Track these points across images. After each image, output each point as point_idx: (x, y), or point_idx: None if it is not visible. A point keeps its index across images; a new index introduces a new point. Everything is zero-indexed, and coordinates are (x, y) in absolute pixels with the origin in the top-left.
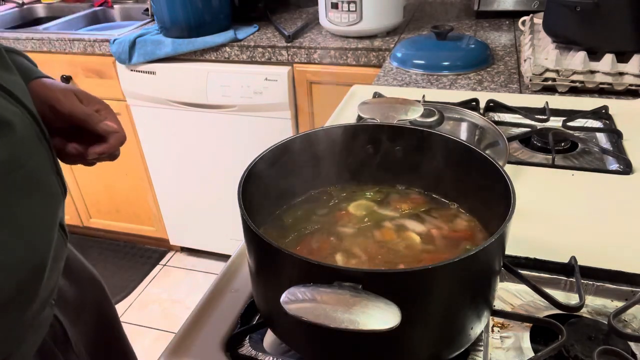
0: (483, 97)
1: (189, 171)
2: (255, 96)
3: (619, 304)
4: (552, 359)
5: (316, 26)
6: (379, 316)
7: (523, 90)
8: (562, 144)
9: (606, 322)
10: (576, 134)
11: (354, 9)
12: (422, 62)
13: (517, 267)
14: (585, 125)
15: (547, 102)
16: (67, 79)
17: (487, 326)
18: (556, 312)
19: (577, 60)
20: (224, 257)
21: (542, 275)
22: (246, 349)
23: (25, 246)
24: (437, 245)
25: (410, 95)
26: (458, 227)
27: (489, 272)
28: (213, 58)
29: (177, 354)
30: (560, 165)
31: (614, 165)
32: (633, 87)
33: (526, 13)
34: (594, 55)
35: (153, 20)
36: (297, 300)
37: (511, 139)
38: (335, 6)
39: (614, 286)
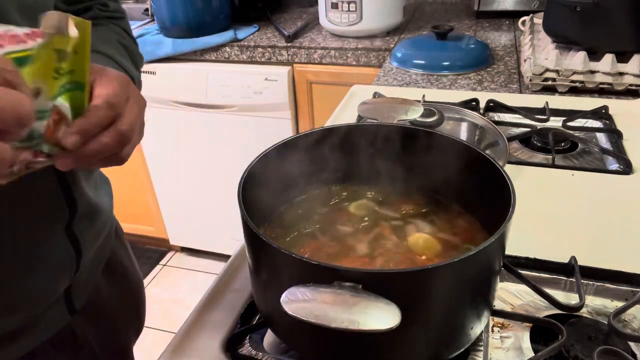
0: (483, 97)
1: (189, 171)
2: (255, 96)
3: (619, 304)
4: (552, 359)
5: (316, 26)
6: (379, 316)
7: (523, 90)
8: (562, 144)
9: (606, 322)
10: (576, 134)
11: (354, 9)
12: (422, 62)
13: (517, 267)
14: (585, 125)
15: (547, 102)
16: None
17: (487, 326)
18: (556, 312)
19: (577, 60)
20: (224, 257)
21: (542, 275)
22: (246, 349)
23: None
24: (437, 245)
25: (410, 95)
26: (458, 227)
27: (489, 272)
28: (213, 58)
29: (177, 354)
30: (560, 165)
31: (614, 165)
32: (633, 87)
33: (526, 13)
34: (594, 55)
35: (153, 20)
36: (297, 300)
37: (511, 139)
38: (335, 6)
39: (614, 286)
